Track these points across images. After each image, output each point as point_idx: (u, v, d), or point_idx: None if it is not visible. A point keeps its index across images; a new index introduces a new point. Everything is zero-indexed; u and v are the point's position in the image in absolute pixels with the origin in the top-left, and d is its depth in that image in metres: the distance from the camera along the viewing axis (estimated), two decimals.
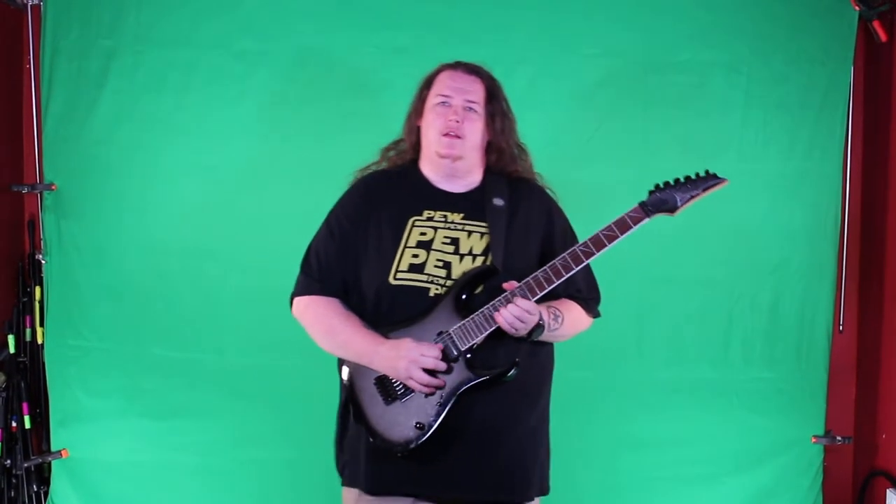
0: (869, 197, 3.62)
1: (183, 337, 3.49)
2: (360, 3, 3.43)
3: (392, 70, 3.41)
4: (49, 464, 3.58)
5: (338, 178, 3.18)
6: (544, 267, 2.14)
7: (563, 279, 2.13)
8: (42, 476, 3.61)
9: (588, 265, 2.23)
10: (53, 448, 3.55)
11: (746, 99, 3.45)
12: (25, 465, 3.53)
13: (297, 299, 2.28)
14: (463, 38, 3.41)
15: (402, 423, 2.12)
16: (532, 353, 2.23)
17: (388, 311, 2.19)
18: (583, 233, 2.32)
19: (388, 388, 2.17)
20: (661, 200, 2.13)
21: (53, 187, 3.48)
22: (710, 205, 3.24)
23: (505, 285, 2.13)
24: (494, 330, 2.14)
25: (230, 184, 3.46)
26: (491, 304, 2.12)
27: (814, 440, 3.56)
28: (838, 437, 3.59)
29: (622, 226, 2.13)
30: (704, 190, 2.16)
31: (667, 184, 2.16)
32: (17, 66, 3.55)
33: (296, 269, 2.69)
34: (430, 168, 2.30)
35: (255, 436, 3.50)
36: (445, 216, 2.26)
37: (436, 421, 2.10)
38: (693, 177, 2.18)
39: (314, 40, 3.43)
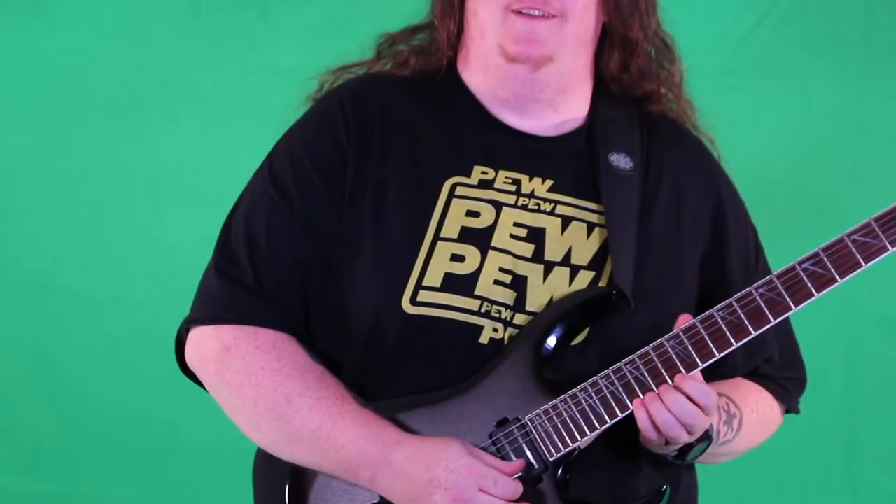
0: None
1: None
2: None
3: None
4: None
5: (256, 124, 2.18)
6: (728, 303, 1.37)
7: (746, 339, 1.38)
8: None
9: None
10: None
11: None
12: None
13: (199, 332, 1.44)
14: None
15: None
16: (676, 474, 1.51)
17: (394, 368, 1.41)
18: None
19: None
20: None
21: None
22: None
23: (681, 321, 1.39)
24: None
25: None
26: (622, 366, 1.38)
27: None
28: None
29: (843, 260, 1.38)
30: None
31: None
32: None
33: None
34: (486, 81, 1.51)
35: None
36: (518, 181, 1.48)
37: None
38: None
39: None
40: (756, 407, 1.54)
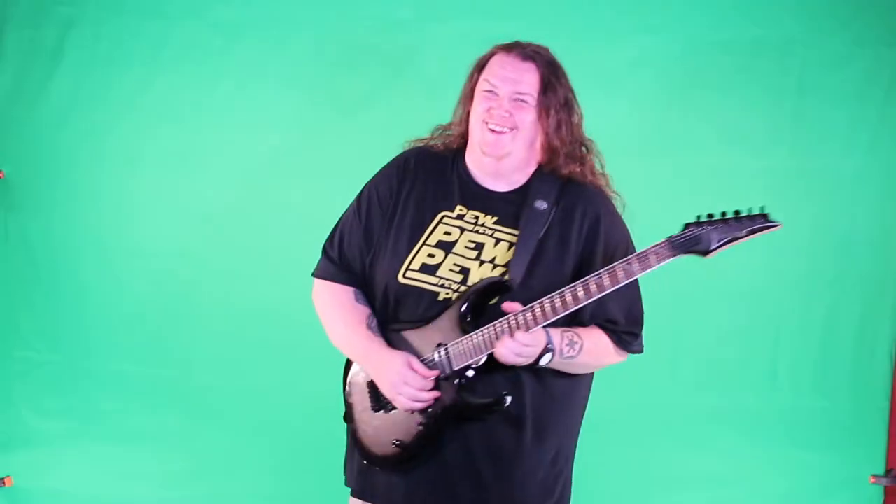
0: None
1: (146, 350, 3.28)
2: None
3: (391, 46, 3.21)
4: None
5: (327, 168, 3.21)
6: (553, 294, 2.02)
7: (568, 311, 2.03)
8: None
9: (637, 291, 2.16)
10: None
11: (800, 85, 3.19)
12: None
13: (314, 280, 2.26)
14: (475, 10, 3.17)
15: (383, 436, 2.14)
16: (543, 384, 2.11)
17: (394, 312, 2.15)
18: None
19: (379, 395, 2.15)
20: (694, 239, 1.96)
21: (0, 175, 3.24)
22: (758, 206, 3.05)
23: (504, 306, 2.03)
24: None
25: (203, 174, 3.25)
26: (493, 325, 2.04)
27: (872, 480, 3.32)
28: None
29: (643, 261, 1.99)
30: (750, 233, 1.96)
31: (710, 217, 1.99)
32: None
33: (275, 273, 3.11)
34: (474, 162, 2.19)
35: (225, 466, 3.30)
36: (477, 217, 2.16)
37: (414, 443, 2.08)
38: (738, 215, 1.98)
39: (301, 10, 3.20)
40: (595, 340, 2.12)
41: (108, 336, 3.26)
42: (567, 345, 2.06)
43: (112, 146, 3.23)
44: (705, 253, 1.96)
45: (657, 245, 1.96)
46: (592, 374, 2.22)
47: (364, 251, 2.19)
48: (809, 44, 3.16)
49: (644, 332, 2.22)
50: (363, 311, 2.18)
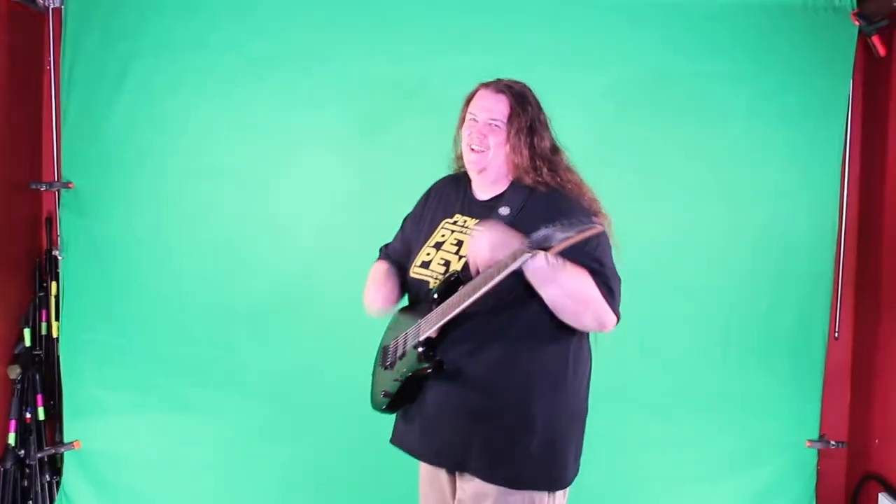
0: (866, 206, 3.67)
1: (193, 334, 3.58)
2: (371, 11, 3.51)
3: (401, 75, 3.50)
4: (62, 455, 3.65)
5: (347, 181, 3.56)
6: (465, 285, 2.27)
7: (477, 296, 2.22)
8: (55, 467, 3.67)
9: (608, 275, 2.30)
10: (66, 440, 3.61)
11: (748, 110, 3.52)
12: (39, 455, 3.59)
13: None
14: (469, 47, 3.49)
15: (379, 387, 2.47)
16: (505, 349, 2.31)
17: (415, 298, 2.50)
18: None
19: (385, 356, 2.52)
20: (545, 238, 2.09)
21: (71, 185, 3.53)
22: (713, 213, 3.53)
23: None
24: (481, 332, 2.34)
25: (241, 185, 3.55)
26: (440, 305, 2.32)
27: (808, 444, 3.63)
28: (832, 442, 3.66)
29: (512, 256, 2.17)
30: (578, 233, 2.08)
31: (563, 222, 2.11)
32: (38, 67, 3.60)
33: (304, 273, 3.50)
34: (471, 177, 2.52)
35: (263, 432, 3.60)
36: (465, 221, 2.46)
37: (394, 394, 2.41)
38: (574, 221, 2.10)
39: (325, 45, 3.50)
40: (579, 271, 2.23)
41: (161, 322, 3.56)
42: (553, 258, 2.20)
43: (164, 161, 3.52)
44: (548, 249, 2.09)
45: (522, 243, 2.11)
46: (584, 350, 2.39)
47: (402, 253, 2.60)
48: (755, 75, 3.48)
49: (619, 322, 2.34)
50: (386, 278, 2.54)
